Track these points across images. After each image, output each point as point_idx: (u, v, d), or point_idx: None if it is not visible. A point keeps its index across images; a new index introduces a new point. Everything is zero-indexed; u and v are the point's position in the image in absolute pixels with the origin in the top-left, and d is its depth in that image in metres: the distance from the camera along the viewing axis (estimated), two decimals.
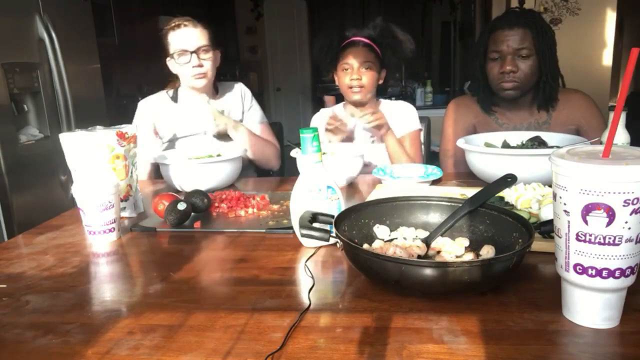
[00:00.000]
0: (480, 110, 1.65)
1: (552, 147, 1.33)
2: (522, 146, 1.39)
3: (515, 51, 1.49)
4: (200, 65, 1.63)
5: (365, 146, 1.69)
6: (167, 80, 1.82)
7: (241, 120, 1.81)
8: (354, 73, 1.68)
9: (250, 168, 1.83)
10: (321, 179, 0.92)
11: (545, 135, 1.40)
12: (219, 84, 1.84)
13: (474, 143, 1.38)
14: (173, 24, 1.66)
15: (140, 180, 1.66)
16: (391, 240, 0.86)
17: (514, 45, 1.48)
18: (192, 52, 1.62)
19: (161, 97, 1.79)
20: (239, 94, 1.85)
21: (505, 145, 1.41)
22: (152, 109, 1.75)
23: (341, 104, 1.88)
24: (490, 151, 1.27)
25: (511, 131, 1.56)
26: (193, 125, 1.73)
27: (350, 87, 1.70)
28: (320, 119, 1.86)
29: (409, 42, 1.72)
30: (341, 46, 1.71)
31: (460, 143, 1.34)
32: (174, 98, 1.77)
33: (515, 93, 1.53)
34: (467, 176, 1.43)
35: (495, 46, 1.52)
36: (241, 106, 1.83)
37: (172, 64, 1.69)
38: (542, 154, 1.17)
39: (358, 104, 1.77)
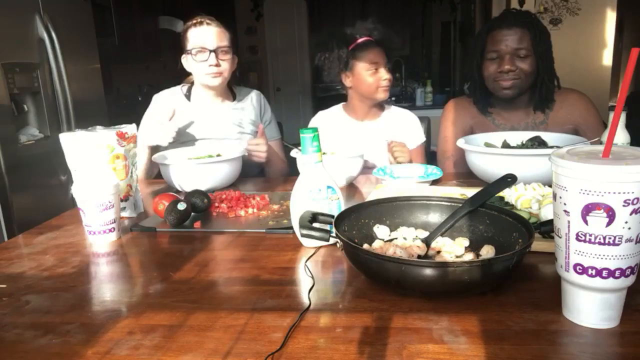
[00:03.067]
0: (477, 112, 1.65)
1: (552, 147, 1.33)
2: (522, 146, 1.39)
3: (513, 51, 1.49)
4: (218, 65, 1.60)
5: (365, 146, 1.69)
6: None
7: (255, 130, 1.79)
8: (386, 72, 1.71)
9: (257, 170, 1.81)
10: (321, 179, 0.92)
11: (545, 135, 1.40)
12: (237, 89, 1.81)
13: (473, 143, 1.38)
14: (195, 21, 1.62)
15: (141, 180, 1.64)
16: (391, 240, 0.86)
17: (512, 45, 1.49)
18: (211, 51, 1.59)
19: (175, 93, 1.75)
20: (259, 104, 1.82)
21: (505, 145, 1.41)
22: (167, 103, 1.70)
23: (340, 106, 1.87)
24: (490, 151, 1.27)
25: (509, 131, 1.56)
26: (204, 129, 1.69)
27: (382, 87, 1.72)
28: (318, 122, 1.86)
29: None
30: (359, 45, 1.72)
31: (461, 143, 1.34)
32: (188, 96, 1.74)
33: (513, 92, 1.53)
34: (467, 176, 1.43)
35: (494, 46, 1.52)
36: (258, 116, 1.80)
37: (188, 61, 1.65)
38: (542, 154, 1.17)
39: (382, 102, 1.80)
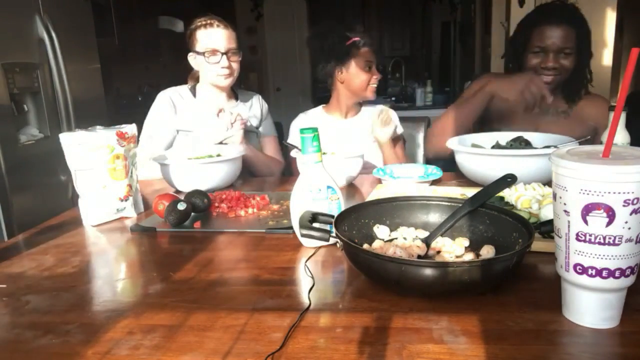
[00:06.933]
0: None
1: (545, 147, 1.32)
2: (507, 146, 1.37)
3: (559, 49, 1.51)
4: (230, 67, 1.66)
5: (365, 146, 1.69)
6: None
7: (257, 127, 1.85)
8: (374, 73, 1.74)
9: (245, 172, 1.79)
10: (321, 179, 0.92)
11: (529, 136, 1.40)
12: (238, 91, 1.85)
13: (463, 144, 1.37)
14: (205, 22, 1.65)
15: (150, 180, 1.58)
16: (391, 240, 0.86)
17: (558, 43, 1.51)
18: (223, 53, 1.63)
19: (180, 89, 1.78)
20: (259, 104, 1.88)
21: (497, 146, 1.40)
22: (172, 100, 1.73)
23: (319, 108, 1.87)
24: (483, 152, 1.26)
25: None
26: (209, 120, 1.69)
27: (372, 85, 1.75)
28: (300, 124, 1.85)
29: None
30: (356, 41, 1.72)
31: (451, 143, 1.33)
32: (193, 93, 1.77)
33: (550, 87, 1.55)
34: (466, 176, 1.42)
35: (540, 42, 1.53)
36: (260, 115, 1.87)
37: (197, 61, 1.68)
38: (540, 154, 1.17)
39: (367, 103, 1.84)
